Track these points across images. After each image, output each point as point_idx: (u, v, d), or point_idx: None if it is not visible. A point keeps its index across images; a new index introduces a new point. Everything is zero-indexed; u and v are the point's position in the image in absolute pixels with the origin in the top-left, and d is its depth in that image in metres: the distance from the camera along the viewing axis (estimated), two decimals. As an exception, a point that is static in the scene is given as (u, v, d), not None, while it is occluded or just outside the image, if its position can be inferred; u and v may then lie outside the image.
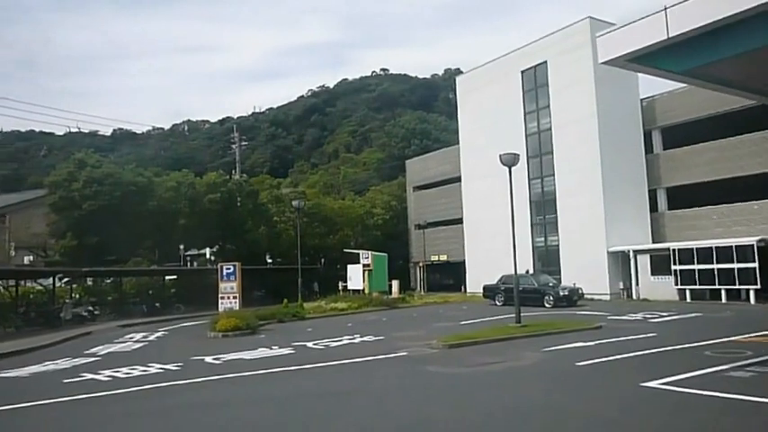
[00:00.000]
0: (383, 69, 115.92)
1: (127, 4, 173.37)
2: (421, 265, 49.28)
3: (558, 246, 35.86)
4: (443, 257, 46.75)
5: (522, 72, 38.40)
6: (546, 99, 36.93)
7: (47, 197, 37.03)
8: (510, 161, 19.47)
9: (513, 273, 20.14)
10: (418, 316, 26.46)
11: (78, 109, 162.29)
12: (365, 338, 17.76)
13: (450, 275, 46.89)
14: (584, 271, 32.61)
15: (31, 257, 39.89)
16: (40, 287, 30.98)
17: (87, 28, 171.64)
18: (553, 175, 36.28)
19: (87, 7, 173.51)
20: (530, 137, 37.84)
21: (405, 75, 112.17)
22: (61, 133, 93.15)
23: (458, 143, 44.81)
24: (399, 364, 13.08)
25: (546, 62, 36.81)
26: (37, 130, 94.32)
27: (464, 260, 42.70)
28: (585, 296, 30.14)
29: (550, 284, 29.61)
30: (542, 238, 37.12)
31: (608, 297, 31.95)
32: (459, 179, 43.89)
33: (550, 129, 36.51)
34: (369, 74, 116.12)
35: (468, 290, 41.44)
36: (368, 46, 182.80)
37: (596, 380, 10.62)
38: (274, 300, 31.40)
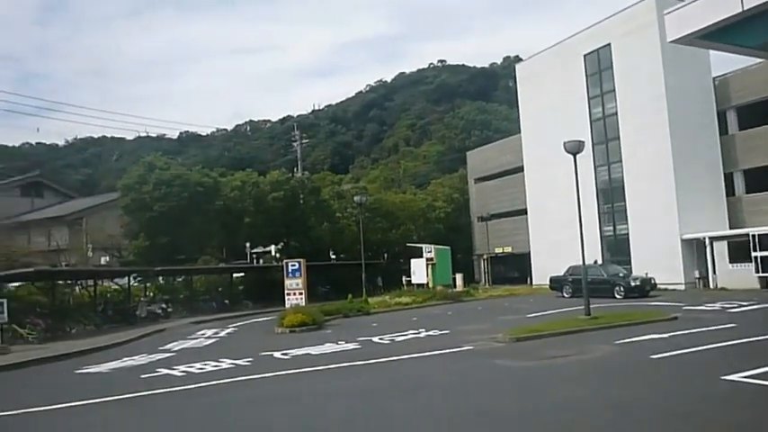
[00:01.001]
0: (440, 61, 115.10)
1: (189, 10, 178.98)
2: (485, 257, 48.79)
3: (627, 234, 34.75)
4: (507, 249, 46.11)
5: (585, 56, 37.32)
6: (611, 83, 35.76)
7: (120, 200, 38.67)
8: (575, 148, 18.98)
9: (581, 263, 19.65)
10: (483, 309, 26.22)
11: (146, 114, 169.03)
12: (430, 333, 17.72)
13: (514, 267, 46.22)
14: (657, 260, 31.45)
15: (107, 258, 41.69)
16: (116, 286, 32.40)
17: (153, 34, 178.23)
18: (620, 161, 35.14)
19: (152, 14, 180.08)
20: (594, 122, 36.78)
21: (462, 65, 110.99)
22: (131, 138, 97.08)
23: (519, 132, 44.06)
24: (465, 359, 13.00)
25: (609, 44, 35.65)
26: (109, 135, 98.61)
27: (529, 251, 42.00)
28: (658, 286, 29.07)
29: (620, 275, 28.74)
30: (611, 227, 36.06)
31: (683, 287, 30.74)
32: (521, 169, 43.15)
33: (616, 113, 35.36)
34: (426, 66, 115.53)
35: (533, 282, 40.76)
36: (424, 38, 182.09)
37: (673, 373, 10.24)
38: (339, 295, 31.74)
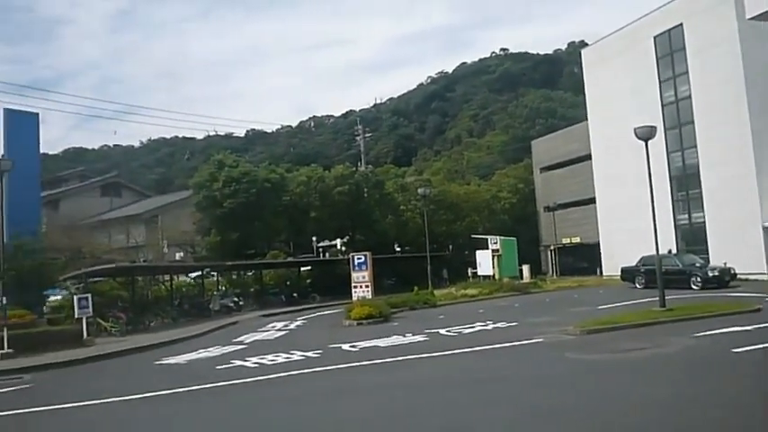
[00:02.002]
0: (502, 49, 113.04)
1: (253, 10, 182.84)
2: (552, 248, 47.80)
3: (703, 223, 33.24)
4: (576, 240, 45.01)
5: (655, 38, 35.84)
6: (683, 65, 34.21)
7: (192, 197, 40.11)
8: (646, 134, 18.31)
9: (655, 253, 18.95)
10: (551, 301, 25.74)
11: (214, 113, 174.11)
12: (498, 324, 17.54)
13: (583, 258, 45.07)
14: (736, 249, 29.89)
15: (181, 254, 43.36)
16: (190, 281, 33.66)
17: (219, 37, 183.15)
18: (695, 146, 33.60)
19: (218, 18, 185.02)
20: (666, 107, 35.31)
21: (525, 53, 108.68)
22: (201, 137, 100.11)
23: (586, 119, 42.84)
24: (535, 351, 12.81)
25: (681, 24, 34.08)
26: (180, 135, 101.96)
27: (598, 242, 40.86)
28: (738, 277, 27.70)
29: (697, 265, 27.54)
30: (686, 216, 34.58)
31: (766, 277, 29.16)
32: (589, 157, 41.96)
33: (690, 96, 33.80)
34: (488, 55, 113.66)
35: (603, 273, 39.63)
36: (485, 27, 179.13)
37: (758, 368, 9.74)
38: (404, 287, 31.84)
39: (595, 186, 41.05)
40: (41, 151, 27.40)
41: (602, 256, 40.35)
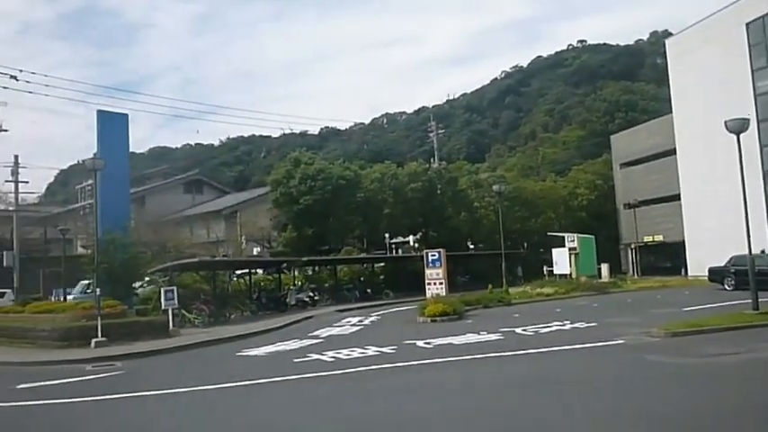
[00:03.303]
0: (580, 41, 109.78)
1: (325, 9, 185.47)
2: (633, 246, 46.15)
3: (801, 221, 31.19)
4: (658, 238, 43.27)
5: (748, 24, 33.89)
6: (779, 52, 32.22)
7: (269, 194, 41.25)
8: (738, 127, 17.39)
9: (747, 252, 17.94)
10: (633, 301, 24.89)
11: (290, 112, 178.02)
12: (576, 325, 17.13)
13: (666, 257, 43.26)
14: (839, 249, 27.90)
15: (259, 249, 44.71)
16: (268, 275, 34.62)
17: (294, 36, 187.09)
18: (792, 139, 31.58)
19: (291, 17, 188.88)
20: (760, 97, 33.35)
21: (604, 44, 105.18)
22: (277, 135, 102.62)
23: (670, 112, 41.05)
24: (615, 353, 12.44)
25: (777, 10, 32.10)
26: (257, 134, 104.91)
27: (683, 240, 39.09)
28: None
29: (794, 266, 25.82)
30: (781, 213, 32.56)
31: None
32: (673, 152, 40.19)
33: (786, 86, 31.79)
34: (564, 47, 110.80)
35: (689, 273, 37.88)
36: (561, 19, 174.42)
37: None
38: (478, 285, 31.60)
39: (680, 182, 39.31)
40: (129, 150, 28.72)
41: (687, 255, 38.61)
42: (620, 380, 9.87)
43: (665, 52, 42.48)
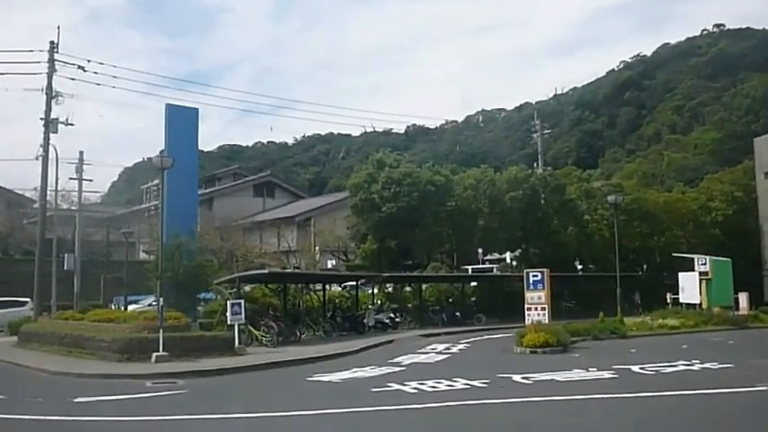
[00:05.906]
0: (717, 25, 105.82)
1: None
2: (779, 273, 43.66)
3: None
4: (814, 263, 40.70)
5: None
6: None
7: (348, 200, 41.82)
8: None
9: None
10: (779, 340, 23.56)
11: (372, 107, 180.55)
12: (707, 365, 16.38)
13: (824, 288, 40.56)
14: None
15: (334, 261, 45.38)
16: (344, 292, 35.06)
17: (379, 22, 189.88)
18: None
19: (376, 0, 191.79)
20: None
21: (747, 29, 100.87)
22: (357, 134, 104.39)
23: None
24: (758, 403, 11.77)
25: None
26: (335, 132, 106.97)
27: None
28: None
29: None
30: None
31: None
32: (834, 159, 37.77)
33: None
34: (697, 33, 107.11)
35: None
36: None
37: None
38: (586, 312, 30.82)
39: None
40: (198, 148, 29.97)
41: None
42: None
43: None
